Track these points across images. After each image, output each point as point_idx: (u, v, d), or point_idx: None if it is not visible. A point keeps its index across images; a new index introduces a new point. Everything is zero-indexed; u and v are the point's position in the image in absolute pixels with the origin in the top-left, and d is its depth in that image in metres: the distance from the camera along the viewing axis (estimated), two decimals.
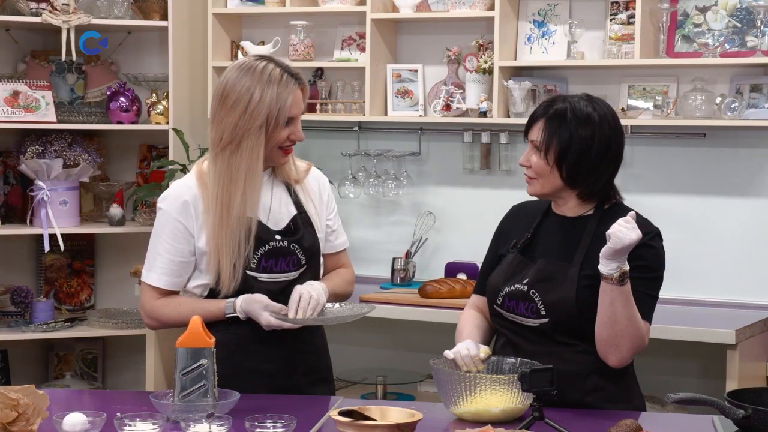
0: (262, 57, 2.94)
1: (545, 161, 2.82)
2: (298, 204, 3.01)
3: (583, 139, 2.80)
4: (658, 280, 2.83)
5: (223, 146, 2.88)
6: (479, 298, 3.02)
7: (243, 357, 2.92)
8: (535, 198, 2.97)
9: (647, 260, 2.78)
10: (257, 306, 2.86)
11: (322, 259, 3.07)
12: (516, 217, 3.02)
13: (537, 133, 2.83)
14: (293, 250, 2.95)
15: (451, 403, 2.62)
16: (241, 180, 2.87)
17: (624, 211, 2.84)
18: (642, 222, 2.77)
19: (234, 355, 2.89)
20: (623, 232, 2.62)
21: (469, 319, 2.98)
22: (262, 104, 2.84)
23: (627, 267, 2.67)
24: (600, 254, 2.67)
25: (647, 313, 2.80)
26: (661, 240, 2.83)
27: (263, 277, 2.93)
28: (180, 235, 2.93)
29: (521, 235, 2.93)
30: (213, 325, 2.84)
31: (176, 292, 2.98)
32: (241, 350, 2.92)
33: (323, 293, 2.91)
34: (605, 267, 2.67)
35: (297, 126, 2.92)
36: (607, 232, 2.64)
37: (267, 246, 2.93)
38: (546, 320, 2.79)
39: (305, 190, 3.04)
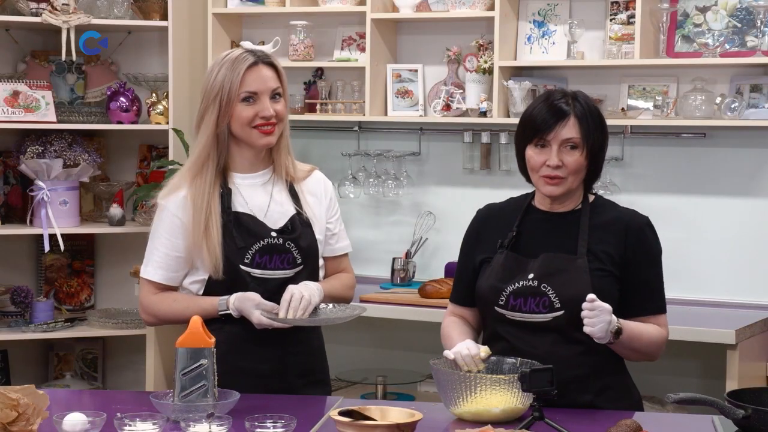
0: (238, 48, 3.02)
1: (584, 158, 2.82)
2: (297, 204, 3.02)
3: (606, 134, 2.88)
4: (661, 262, 2.88)
5: (195, 133, 2.97)
6: (458, 308, 2.99)
7: (237, 357, 2.92)
8: (498, 199, 3.01)
9: (652, 243, 2.85)
10: (249, 304, 2.87)
11: (322, 261, 3.07)
12: (487, 220, 2.98)
13: (572, 131, 2.79)
14: (289, 248, 2.96)
15: (452, 403, 2.62)
16: (203, 155, 2.94)
17: (606, 203, 2.92)
18: (630, 212, 2.89)
19: (228, 354, 2.88)
20: (595, 324, 2.65)
21: (454, 324, 2.96)
22: (215, 81, 2.92)
23: (615, 325, 2.70)
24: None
25: (665, 305, 2.87)
26: None
27: (256, 272, 2.93)
28: (177, 230, 2.95)
29: (503, 234, 2.90)
30: (207, 324, 2.83)
31: (173, 289, 2.99)
32: (236, 350, 2.92)
33: (317, 294, 2.91)
34: (601, 340, 2.70)
35: (264, 103, 2.93)
36: (588, 332, 2.67)
37: (262, 242, 2.94)
38: (560, 313, 2.76)
39: (307, 191, 3.05)
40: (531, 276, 2.81)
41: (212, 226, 2.90)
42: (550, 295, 2.77)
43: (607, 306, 2.66)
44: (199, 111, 2.96)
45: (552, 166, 2.80)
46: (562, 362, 2.69)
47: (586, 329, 2.66)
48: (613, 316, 2.68)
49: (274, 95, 2.95)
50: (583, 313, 2.66)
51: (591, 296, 2.65)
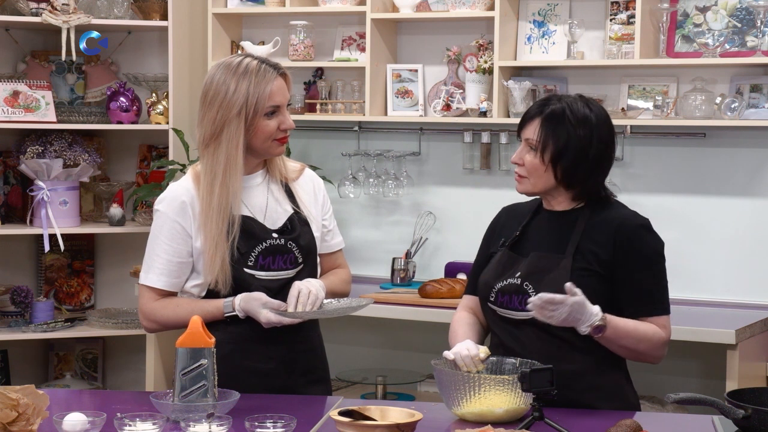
0: (241, 54, 2.98)
1: (540, 160, 2.83)
2: (294, 203, 3.02)
3: (581, 140, 2.82)
4: (664, 266, 2.86)
5: (206, 143, 2.90)
6: (471, 299, 3.04)
7: (241, 356, 2.93)
8: (525, 198, 3.00)
9: (652, 247, 2.84)
10: (256, 304, 2.87)
11: (318, 258, 3.08)
12: (506, 217, 3.03)
13: (532, 132, 2.84)
14: (290, 248, 2.97)
15: (454, 403, 2.62)
16: (220, 172, 2.88)
17: (614, 203, 2.91)
18: (628, 213, 2.87)
19: (232, 354, 2.89)
20: (553, 316, 2.66)
21: (462, 320, 2.99)
22: (237, 94, 2.86)
23: (596, 320, 2.69)
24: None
25: (664, 307, 2.85)
26: None
27: (261, 274, 2.94)
28: (178, 236, 2.94)
29: (511, 233, 2.95)
30: (211, 324, 2.84)
31: (174, 294, 2.99)
32: (240, 349, 2.92)
33: (321, 289, 2.93)
34: (579, 330, 2.72)
35: (285, 114, 2.93)
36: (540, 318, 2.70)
37: (264, 244, 2.94)
38: None
39: (300, 189, 3.05)
40: (518, 274, 2.85)
41: (224, 240, 2.89)
42: (531, 294, 2.79)
43: (565, 301, 2.65)
44: (214, 123, 2.87)
45: (512, 161, 2.89)
46: (548, 359, 2.68)
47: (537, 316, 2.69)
48: (593, 308, 2.68)
49: (287, 105, 2.96)
50: (543, 310, 2.68)
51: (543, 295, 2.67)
